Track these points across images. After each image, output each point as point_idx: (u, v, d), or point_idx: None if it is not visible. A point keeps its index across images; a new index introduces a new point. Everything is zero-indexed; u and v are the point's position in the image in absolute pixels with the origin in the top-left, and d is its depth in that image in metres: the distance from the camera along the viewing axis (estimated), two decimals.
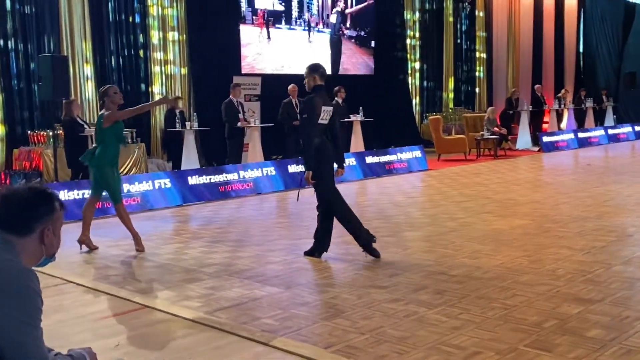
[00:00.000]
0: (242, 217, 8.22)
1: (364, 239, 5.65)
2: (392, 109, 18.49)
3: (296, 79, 14.22)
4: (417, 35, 19.58)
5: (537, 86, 19.02)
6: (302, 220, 7.79)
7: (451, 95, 20.89)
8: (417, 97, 19.84)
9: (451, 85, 20.81)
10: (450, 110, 20.16)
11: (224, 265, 5.68)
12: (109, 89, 6.41)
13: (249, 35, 15.39)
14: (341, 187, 10.68)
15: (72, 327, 4.23)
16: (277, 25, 15.71)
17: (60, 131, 11.33)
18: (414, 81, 19.71)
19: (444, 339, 3.73)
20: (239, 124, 11.34)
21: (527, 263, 5.35)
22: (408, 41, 19.28)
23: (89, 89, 13.35)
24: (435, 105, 20.35)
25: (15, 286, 1.90)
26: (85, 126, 9.96)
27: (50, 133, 11.79)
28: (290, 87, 12.45)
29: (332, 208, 5.74)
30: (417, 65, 19.71)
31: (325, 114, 5.69)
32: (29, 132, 12.38)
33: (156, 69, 14.28)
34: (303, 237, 6.68)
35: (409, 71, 19.44)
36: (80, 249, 6.50)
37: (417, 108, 19.90)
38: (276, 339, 3.82)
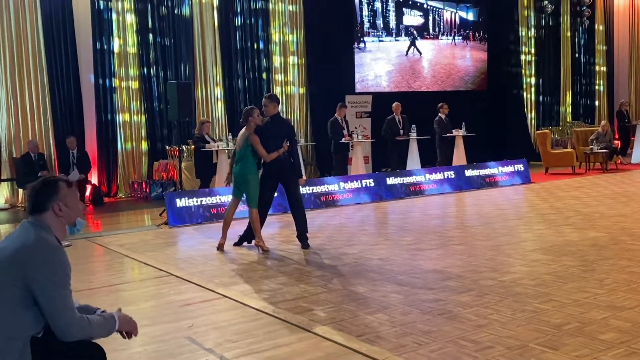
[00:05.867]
0: (333, 224, 8.70)
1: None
2: (505, 123, 18.24)
3: (400, 96, 14.59)
4: (533, 50, 19.15)
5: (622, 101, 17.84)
6: (384, 228, 8.11)
7: (569, 109, 20.17)
8: (533, 112, 19.34)
9: (569, 99, 20.10)
10: (568, 124, 19.47)
11: (301, 265, 6.19)
12: (254, 111, 6.98)
13: (363, 56, 15.94)
14: (436, 199, 10.92)
15: (161, 310, 4.91)
16: (380, 39, 16.12)
17: (192, 146, 12.46)
18: (529, 96, 19.26)
19: (465, 334, 3.96)
20: (342, 140, 11.86)
21: (578, 272, 5.36)
22: (523, 57, 18.92)
23: (219, 109, 14.53)
24: (552, 119, 19.75)
25: (49, 258, 2.51)
26: (211, 142, 10.91)
27: (184, 147, 13.05)
28: (394, 105, 12.81)
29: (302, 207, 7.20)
30: (533, 80, 19.25)
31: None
32: (167, 147, 13.72)
33: (277, 89, 15.23)
34: (379, 244, 7.05)
35: (524, 86, 19.05)
36: (259, 251, 6.97)
37: (533, 122, 19.41)
38: (318, 327, 4.24)
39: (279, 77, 15.35)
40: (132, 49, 13.31)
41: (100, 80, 13.06)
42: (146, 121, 13.65)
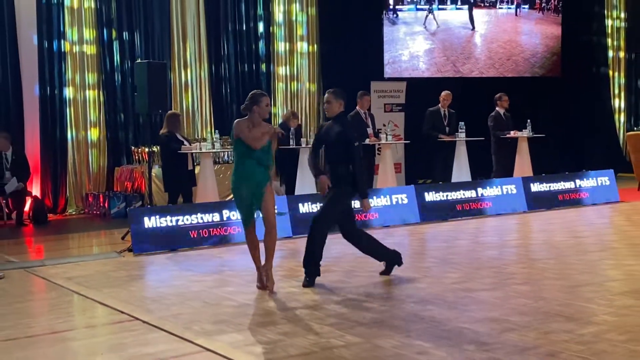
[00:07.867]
0: (352, 254, 8.67)
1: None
2: (585, 121, 18.16)
3: (444, 83, 14.59)
4: (622, 15, 18.94)
5: None
6: (421, 260, 8.10)
7: None
8: (623, 102, 19.08)
9: None
10: None
11: (310, 309, 6.18)
12: (263, 98, 6.82)
13: (395, 30, 16.00)
14: (492, 222, 10.91)
15: None
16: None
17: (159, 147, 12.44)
18: (617, 79, 18.95)
19: None
20: (366, 141, 11.84)
21: None
22: (609, 22, 18.78)
23: (203, 99, 14.65)
24: None
25: None
26: (185, 143, 10.95)
27: (155, 149, 13.07)
28: (443, 94, 12.77)
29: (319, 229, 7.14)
30: (621, 55, 19.01)
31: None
32: (132, 147, 13.81)
33: (279, 86, 15.37)
34: (415, 281, 7.06)
35: (609, 63, 18.89)
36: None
37: (623, 119, 19.22)
38: None
39: (283, 70, 15.51)
40: (88, 2, 13.52)
41: (46, 43, 13.21)
42: (105, 101, 13.80)
